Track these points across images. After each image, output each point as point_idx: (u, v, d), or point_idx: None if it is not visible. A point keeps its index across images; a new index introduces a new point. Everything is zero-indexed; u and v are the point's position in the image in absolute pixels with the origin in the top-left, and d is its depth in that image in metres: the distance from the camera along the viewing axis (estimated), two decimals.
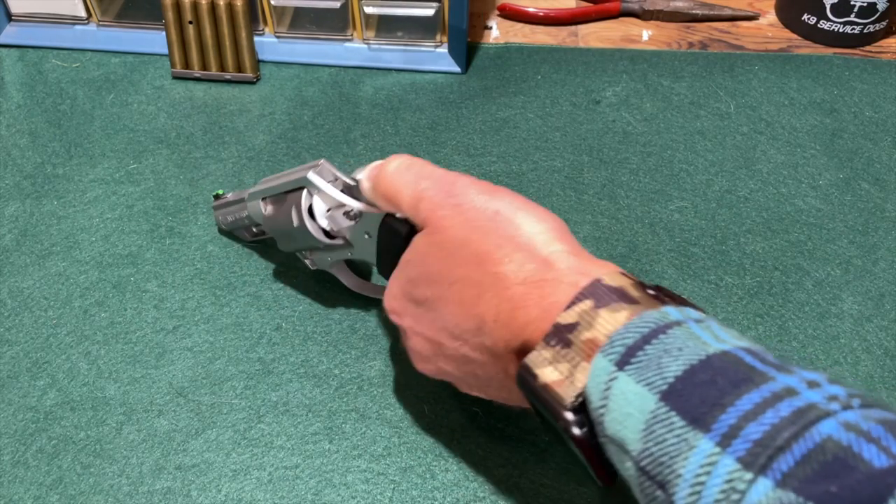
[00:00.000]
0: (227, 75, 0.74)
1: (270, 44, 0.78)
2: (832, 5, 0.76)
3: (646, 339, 0.31)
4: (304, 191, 0.49)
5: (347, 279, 0.55)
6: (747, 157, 0.67)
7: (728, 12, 0.82)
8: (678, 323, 0.31)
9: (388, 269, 0.47)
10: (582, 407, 0.33)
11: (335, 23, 0.76)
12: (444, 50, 0.76)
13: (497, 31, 0.82)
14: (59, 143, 0.69)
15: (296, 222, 0.50)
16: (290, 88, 0.74)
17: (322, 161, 0.49)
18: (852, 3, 0.75)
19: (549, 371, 0.34)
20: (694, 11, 0.82)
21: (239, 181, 0.65)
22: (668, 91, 0.74)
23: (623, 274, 0.35)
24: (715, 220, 0.62)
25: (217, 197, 0.60)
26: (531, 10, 0.82)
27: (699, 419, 0.28)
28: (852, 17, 0.76)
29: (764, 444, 0.26)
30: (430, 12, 0.73)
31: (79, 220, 0.62)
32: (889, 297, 0.57)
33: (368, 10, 0.74)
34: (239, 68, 0.74)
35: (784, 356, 0.31)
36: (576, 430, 0.33)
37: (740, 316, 0.55)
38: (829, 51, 0.78)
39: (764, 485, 0.25)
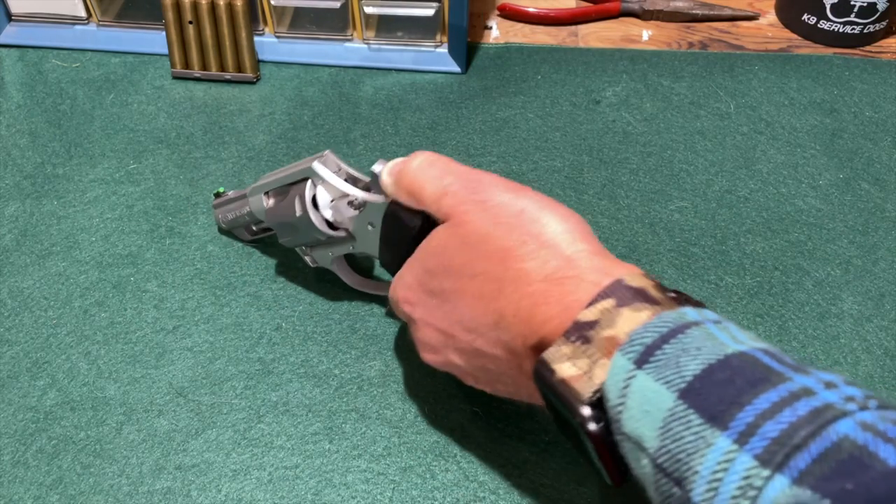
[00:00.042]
0: (227, 75, 0.74)
1: (270, 44, 0.78)
2: (832, 5, 0.76)
3: (665, 339, 0.31)
4: (309, 181, 0.50)
5: (348, 276, 0.55)
6: (747, 157, 0.67)
7: (728, 12, 0.82)
8: (696, 323, 0.32)
9: (392, 260, 0.47)
10: (598, 403, 0.33)
11: (335, 23, 0.76)
12: (444, 50, 0.76)
13: (497, 31, 0.82)
14: (59, 143, 0.69)
15: (299, 211, 0.50)
16: (290, 88, 0.74)
17: (327, 152, 0.50)
18: (852, 3, 0.75)
19: (567, 366, 0.34)
20: (694, 11, 0.82)
21: (239, 181, 0.65)
22: (668, 91, 0.74)
23: (645, 275, 0.36)
24: (715, 220, 0.62)
25: (218, 195, 0.60)
26: (531, 10, 0.82)
27: (717, 417, 0.28)
28: (852, 17, 0.76)
29: (781, 442, 0.26)
30: (430, 12, 0.73)
31: (79, 220, 0.62)
32: (889, 297, 0.57)
33: (368, 10, 0.74)
34: (239, 68, 0.74)
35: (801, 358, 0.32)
36: (592, 426, 0.33)
37: (740, 316, 0.55)
38: (829, 51, 0.78)
39: (781, 482, 0.25)
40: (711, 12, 0.82)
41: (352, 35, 0.77)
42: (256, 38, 0.76)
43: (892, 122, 0.70)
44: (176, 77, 0.75)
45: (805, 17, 0.79)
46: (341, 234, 0.50)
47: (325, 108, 0.72)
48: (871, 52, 0.79)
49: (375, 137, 0.69)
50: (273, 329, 0.55)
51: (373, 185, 0.46)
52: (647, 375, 0.31)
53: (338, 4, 0.74)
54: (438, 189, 0.41)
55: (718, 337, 0.31)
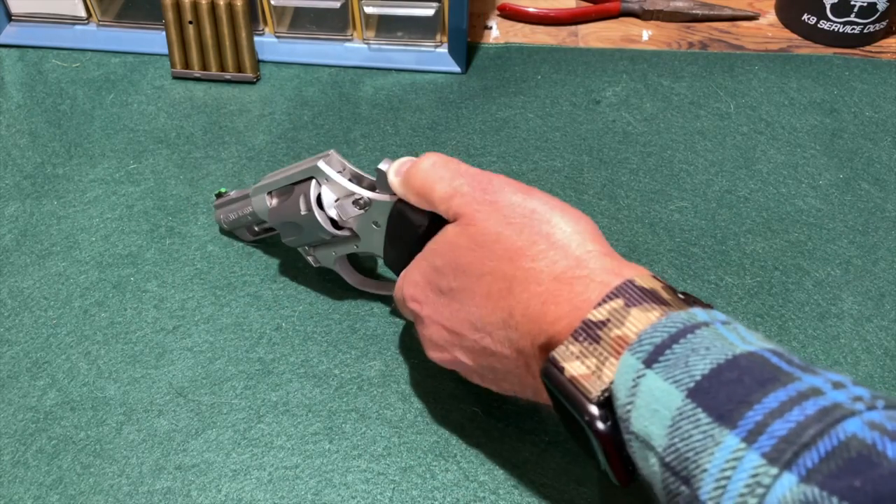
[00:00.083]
0: (227, 75, 0.74)
1: (270, 44, 0.78)
2: (832, 5, 0.76)
3: (674, 339, 0.31)
4: (313, 181, 0.50)
5: (350, 276, 0.55)
6: (747, 157, 0.67)
7: (728, 12, 0.82)
8: (705, 324, 0.32)
9: (398, 259, 0.47)
10: (606, 403, 0.33)
11: (335, 23, 0.76)
12: (444, 50, 0.76)
13: (497, 31, 0.82)
14: (59, 143, 0.69)
15: (304, 211, 0.50)
16: (290, 88, 0.74)
17: (331, 151, 0.50)
18: (852, 3, 0.75)
19: (576, 365, 0.34)
20: (694, 11, 0.82)
21: (239, 181, 0.65)
22: (668, 91, 0.74)
23: (654, 277, 0.36)
24: (715, 220, 0.62)
25: (219, 195, 0.60)
26: (531, 10, 0.82)
27: (725, 416, 0.28)
28: (852, 17, 0.76)
29: (789, 440, 0.26)
30: (430, 12, 0.73)
31: (79, 220, 0.62)
32: (889, 297, 0.57)
33: (368, 10, 0.74)
34: (239, 68, 0.74)
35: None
36: (600, 425, 0.33)
37: (740, 316, 0.55)
38: (829, 51, 0.78)
39: (789, 480, 0.26)
40: (711, 12, 0.82)
41: (352, 35, 0.77)
42: (256, 38, 0.76)
43: (892, 122, 0.70)
44: (176, 77, 0.75)
45: (805, 17, 0.79)
46: (346, 233, 0.50)
47: (325, 108, 0.72)
48: (871, 52, 0.79)
49: (375, 137, 0.69)
50: (273, 329, 0.55)
51: (378, 183, 0.47)
52: (656, 375, 0.31)
53: (338, 4, 0.74)
54: (449, 190, 0.41)
55: (727, 337, 0.31)
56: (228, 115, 0.72)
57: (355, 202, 0.48)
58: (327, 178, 0.49)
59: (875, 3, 0.75)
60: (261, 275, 0.58)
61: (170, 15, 0.72)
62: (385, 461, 0.48)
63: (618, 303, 0.34)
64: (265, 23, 0.78)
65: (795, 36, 0.81)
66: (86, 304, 0.57)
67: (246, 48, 0.73)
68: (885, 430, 0.26)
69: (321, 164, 0.49)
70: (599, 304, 0.34)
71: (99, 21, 0.79)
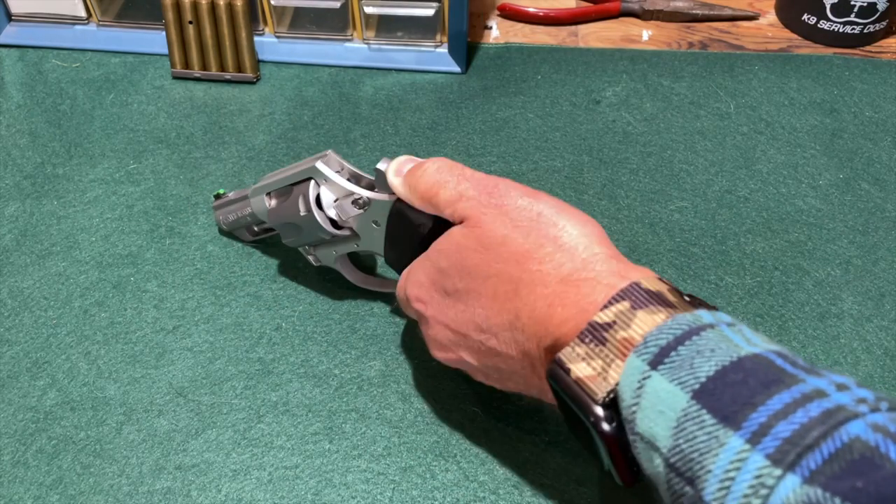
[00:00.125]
0: (227, 75, 0.74)
1: (270, 44, 0.78)
2: (832, 5, 0.76)
3: (679, 341, 0.32)
4: (312, 181, 0.50)
5: (351, 274, 0.55)
6: (747, 157, 0.67)
7: (728, 12, 0.82)
8: (711, 326, 0.32)
9: (399, 258, 0.47)
10: (612, 404, 0.33)
11: (335, 23, 0.76)
12: (444, 50, 0.76)
13: (497, 31, 0.82)
14: (59, 143, 0.69)
15: (303, 211, 0.50)
16: (290, 88, 0.74)
17: (329, 152, 0.50)
18: (852, 3, 0.75)
19: (582, 366, 0.34)
20: (694, 11, 0.82)
21: (239, 181, 0.65)
22: (668, 91, 0.74)
23: (660, 279, 0.36)
24: (715, 220, 0.62)
25: (218, 196, 0.60)
26: (531, 10, 0.82)
27: (730, 417, 0.28)
28: (852, 17, 0.76)
29: (793, 442, 0.27)
30: (430, 12, 0.73)
31: (79, 220, 0.62)
32: (889, 297, 0.57)
33: (368, 10, 0.74)
34: (239, 68, 0.74)
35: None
36: (605, 426, 0.33)
37: (740, 316, 0.55)
38: (829, 51, 0.78)
39: (792, 481, 0.26)
40: (711, 12, 0.82)
41: (352, 35, 0.77)
42: (256, 38, 0.76)
43: (892, 122, 0.70)
44: (176, 77, 0.75)
45: (805, 17, 0.79)
46: (345, 232, 0.50)
47: (325, 108, 0.72)
48: (871, 52, 0.79)
49: (375, 137, 0.69)
50: (273, 329, 0.55)
51: (377, 183, 0.47)
52: (662, 376, 0.31)
53: (338, 4, 0.74)
54: (454, 193, 0.41)
55: (732, 339, 0.31)
56: (228, 115, 0.72)
57: (354, 202, 0.48)
58: (325, 179, 0.49)
59: (875, 3, 0.75)
60: (261, 275, 0.58)
61: (170, 15, 0.72)
62: (385, 461, 0.48)
63: (624, 305, 0.34)
64: (265, 23, 0.78)
65: (795, 36, 0.81)
66: (86, 304, 0.57)
67: (246, 48, 0.73)
68: (888, 432, 0.26)
69: (319, 165, 0.49)
70: (605, 307, 0.35)
71: (99, 21, 0.79)
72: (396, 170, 0.45)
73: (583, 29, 0.82)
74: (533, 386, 0.40)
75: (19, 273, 0.59)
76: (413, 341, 0.54)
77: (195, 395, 0.51)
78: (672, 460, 0.30)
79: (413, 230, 0.45)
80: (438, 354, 0.45)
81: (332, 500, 0.46)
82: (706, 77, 0.75)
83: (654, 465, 0.31)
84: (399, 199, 0.45)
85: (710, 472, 0.28)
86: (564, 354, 0.35)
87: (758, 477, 0.27)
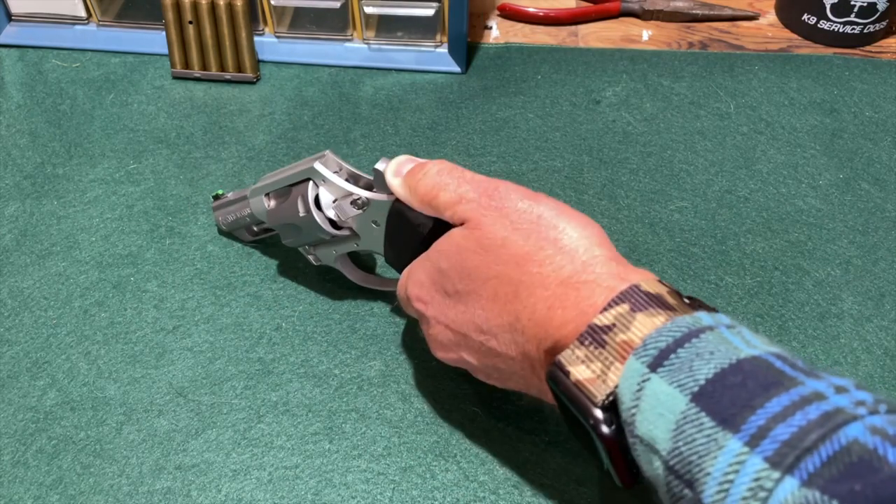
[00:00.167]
0: (227, 75, 0.74)
1: (270, 44, 0.78)
2: (832, 5, 0.76)
3: (678, 343, 0.32)
4: (310, 182, 0.50)
5: (352, 273, 0.55)
6: (747, 157, 0.67)
7: (728, 12, 0.82)
8: (710, 328, 0.32)
9: (399, 257, 0.47)
10: (611, 407, 0.34)
11: (335, 23, 0.76)
12: (444, 50, 0.76)
13: (497, 31, 0.82)
14: (59, 143, 0.69)
15: (302, 212, 0.50)
16: (290, 88, 0.74)
17: (327, 152, 0.50)
18: (852, 3, 0.75)
19: (581, 369, 0.34)
20: (694, 11, 0.82)
21: (239, 181, 0.65)
22: (668, 91, 0.74)
23: (660, 282, 0.36)
24: (715, 220, 0.62)
25: (217, 197, 0.60)
26: (531, 10, 0.82)
27: (729, 420, 0.28)
28: (852, 17, 0.76)
29: (792, 444, 0.27)
30: (430, 12, 0.73)
31: (79, 220, 0.62)
32: (889, 297, 0.57)
33: (368, 10, 0.74)
34: (239, 68, 0.74)
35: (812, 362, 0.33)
36: (604, 429, 0.33)
37: (740, 316, 0.55)
38: (829, 51, 0.78)
39: (791, 483, 0.26)
40: (711, 12, 0.82)
41: (352, 35, 0.77)
42: (256, 38, 0.76)
43: (892, 122, 0.70)
44: (176, 77, 0.75)
45: (805, 17, 0.79)
46: (345, 232, 0.50)
47: (325, 108, 0.72)
48: (871, 52, 0.79)
49: (375, 137, 0.69)
50: (273, 329, 0.55)
51: (376, 183, 0.47)
52: (661, 379, 0.31)
53: (338, 4, 0.74)
54: (454, 196, 0.41)
55: (732, 341, 0.31)
56: (228, 115, 0.72)
57: (353, 202, 0.48)
58: (324, 180, 0.49)
59: (875, 3, 0.75)
60: (261, 275, 0.58)
61: (170, 15, 0.72)
62: (385, 461, 0.48)
63: (623, 307, 0.34)
64: (265, 23, 0.78)
65: (795, 36, 0.81)
66: (86, 304, 0.57)
67: (246, 48, 0.73)
68: (887, 434, 0.26)
69: (317, 166, 0.49)
70: (605, 309, 0.35)
71: (99, 21, 0.79)
72: (395, 170, 0.45)
73: (583, 29, 0.82)
74: (533, 386, 0.41)
75: (19, 273, 0.59)
76: (413, 341, 0.54)
77: (195, 395, 0.51)
78: (671, 463, 0.30)
79: (413, 230, 0.45)
80: (439, 354, 0.45)
81: (332, 500, 0.46)
82: (706, 77, 0.75)
83: (654, 468, 0.31)
84: (398, 199, 0.45)
85: (708, 474, 0.28)
86: (564, 357, 0.35)
87: (756, 479, 0.27)
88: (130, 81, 0.75)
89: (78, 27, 0.79)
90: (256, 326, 0.55)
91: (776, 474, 0.26)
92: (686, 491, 0.29)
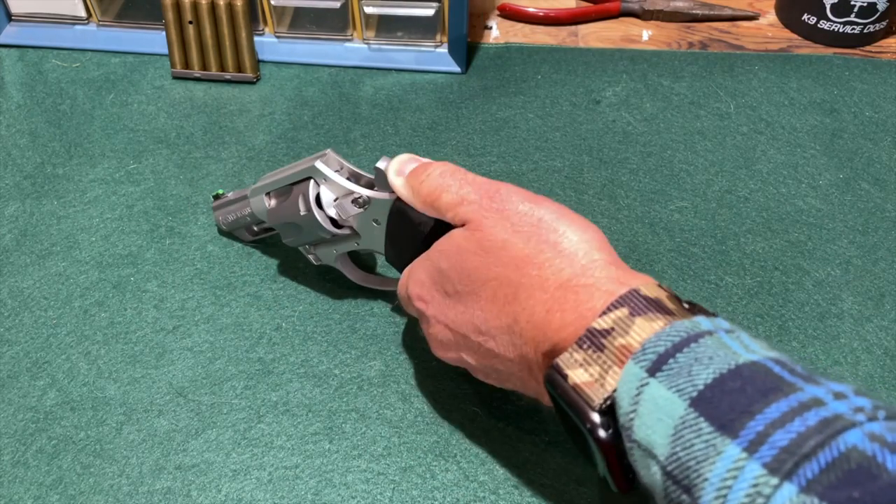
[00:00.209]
0: (227, 75, 0.74)
1: (270, 44, 0.78)
2: (832, 5, 0.76)
3: (677, 348, 0.32)
4: (311, 181, 0.50)
5: (352, 273, 0.55)
6: (747, 157, 0.67)
7: (728, 12, 0.82)
8: (709, 332, 0.32)
9: (400, 256, 0.47)
10: (608, 411, 0.33)
11: (335, 23, 0.76)
12: (444, 50, 0.76)
13: (497, 31, 0.82)
14: (59, 143, 0.69)
15: (303, 211, 0.50)
16: (290, 88, 0.74)
17: (328, 151, 0.50)
18: (852, 3, 0.75)
19: (579, 372, 0.34)
20: (694, 11, 0.82)
21: (239, 181, 0.65)
22: (668, 91, 0.74)
23: (659, 286, 0.36)
24: (715, 220, 0.62)
25: (217, 197, 0.60)
26: (531, 10, 0.82)
27: (727, 425, 0.28)
28: (852, 17, 0.76)
29: (790, 451, 0.27)
30: (430, 12, 0.73)
31: (79, 220, 0.62)
32: (889, 297, 0.57)
33: (368, 10, 0.74)
34: (239, 68, 0.74)
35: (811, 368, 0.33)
36: (601, 433, 0.33)
37: (740, 316, 0.55)
38: (829, 51, 0.78)
39: (789, 490, 0.26)
40: (711, 12, 0.82)
41: (352, 35, 0.77)
42: (256, 38, 0.76)
43: (892, 122, 0.70)
44: (176, 77, 0.75)
45: (805, 17, 0.79)
46: (346, 231, 0.50)
47: (325, 108, 0.72)
48: (871, 52, 0.79)
49: (375, 137, 0.69)
50: (273, 329, 0.55)
51: (377, 181, 0.47)
52: (660, 384, 0.31)
53: (338, 4, 0.74)
54: (456, 198, 0.41)
55: (731, 346, 0.31)
56: (228, 115, 0.72)
57: (354, 201, 0.48)
58: (325, 178, 0.49)
59: (875, 3, 0.75)
60: (261, 275, 0.58)
61: (170, 15, 0.72)
62: (385, 461, 0.48)
63: (622, 312, 0.34)
64: (265, 23, 0.78)
65: (795, 36, 0.81)
66: (86, 304, 0.57)
67: (246, 48, 0.73)
68: (886, 441, 0.26)
69: (318, 164, 0.49)
70: (604, 313, 0.35)
71: (99, 21, 0.79)
72: (398, 169, 0.45)
73: (583, 29, 0.82)
74: (530, 388, 0.41)
75: (19, 273, 0.59)
76: (413, 341, 0.54)
77: (195, 395, 0.51)
78: (669, 468, 0.30)
79: (414, 228, 0.45)
80: (439, 353, 0.45)
81: (332, 500, 0.46)
82: (706, 77, 0.75)
83: (651, 473, 0.31)
84: (399, 198, 0.45)
85: (706, 480, 0.28)
86: (562, 360, 0.35)
87: (754, 486, 0.27)
88: (130, 81, 0.75)
89: (78, 27, 0.79)
90: (256, 326, 0.55)
91: (774, 480, 0.26)
92: (684, 496, 0.29)
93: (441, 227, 0.43)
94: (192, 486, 0.47)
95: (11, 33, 0.79)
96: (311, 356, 0.53)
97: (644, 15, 0.83)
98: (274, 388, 0.52)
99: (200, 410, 0.50)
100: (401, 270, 0.48)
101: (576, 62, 0.77)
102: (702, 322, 0.33)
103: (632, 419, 0.32)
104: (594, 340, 0.34)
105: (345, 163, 0.50)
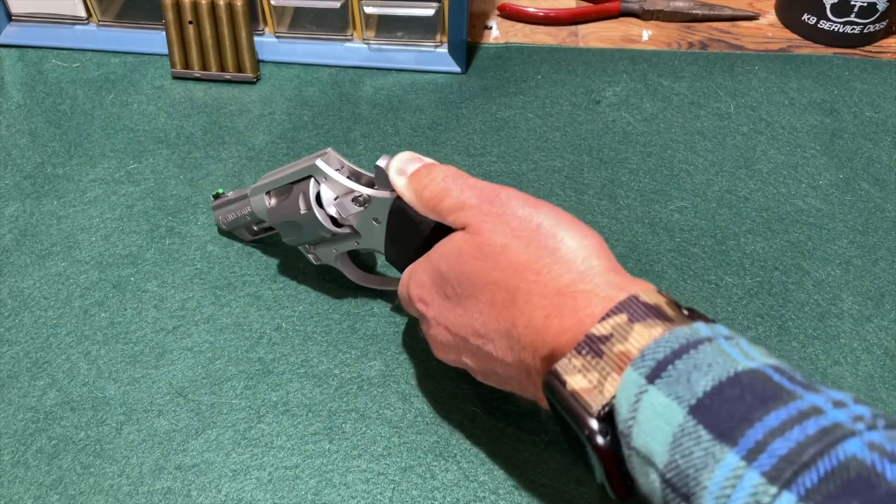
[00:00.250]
0: (227, 75, 0.74)
1: (270, 44, 0.78)
2: (832, 5, 0.76)
3: (676, 354, 0.32)
4: (312, 179, 0.50)
5: (352, 272, 0.55)
6: (747, 157, 0.67)
7: (728, 12, 0.82)
8: (708, 339, 0.32)
9: (400, 255, 0.47)
10: (606, 417, 0.33)
11: (335, 23, 0.76)
12: (444, 50, 0.76)
13: (497, 31, 0.82)
14: (59, 143, 0.69)
15: (303, 210, 0.50)
16: (290, 88, 0.74)
17: (329, 150, 0.50)
18: (852, 3, 0.75)
19: (578, 379, 0.34)
20: (694, 11, 0.82)
21: (239, 181, 0.65)
22: (668, 91, 0.74)
23: (658, 292, 0.36)
24: (715, 220, 0.62)
25: (217, 196, 0.60)
26: (531, 10, 0.82)
27: (726, 433, 0.28)
28: (852, 17, 0.76)
29: (789, 459, 0.27)
30: (430, 12, 0.73)
31: (79, 220, 0.62)
32: (889, 297, 0.57)
33: (368, 10, 0.74)
34: (239, 68, 0.74)
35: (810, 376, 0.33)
36: (599, 440, 0.33)
37: (740, 316, 0.55)
38: (829, 51, 0.78)
39: (787, 499, 0.26)
40: (711, 12, 0.82)
41: (352, 35, 0.77)
42: (256, 38, 0.76)
43: (892, 122, 0.70)
44: (176, 77, 0.75)
45: (805, 17, 0.79)
46: (346, 230, 0.50)
47: (325, 108, 0.72)
48: (871, 52, 0.79)
49: (375, 137, 0.69)
50: (273, 329, 0.55)
51: (377, 180, 0.47)
52: (659, 391, 0.31)
53: (338, 4, 0.74)
54: (456, 202, 0.41)
55: (730, 353, 0.31)
56: (228, 115, 0.72)
57: (355, 199, 0.48)
58: (326, 177, 0.49)
59: (875, 3, 0.75)
60: (261, 275, 0.58)
61: (170, 15, 0.72)
62: (385, 461, 0.48)
63: (621, 318, 0.34)
64: (265, 23, 0.78)
65: (795, 36, 0.81)
66: (86, 304, 0.57)
67: (246, 48, 0.73)
68: (885, 451, 0.26)
69: (319, 163, 0.49)
70: (603, 319, 0.35)
71: (99, 21, 0.79)
72: (399, 169, 0.45)
73: (583, 29, 0.82)
74: (528, 391, 0.41)
75: (19, 273, 0.59)
76: (413, 341, 0.54)
77: (195, 395, 0.51)
78: (668, 476, 0.30)
79: (414, 227, 0.45)
80: (439, 354, 0.45)
81: (332, 500, 0.46)
82: (706, 77, 0.75)
83: (650, 481, 0.31)
84: (399, 196, 0.45)
85: (705, 488, 0.28)
86: (561, 366, 0.35)
87: (753, 494, 0.27)
88: (130, 81, 0.75)
89: (78, 27, 0.79)
90: (256, 326, 0.55)
91: (773, 489, 0.26)
92: None
93: (442, 227, 0.43)
94: (192, 486, 0.47)
95: (11, 33, 0.79)
96: (311, 356, 0.53)
97: (644, 15, 0.83)
98: (274, 388, 0.52)
99: (200, 410, 0.50)
100: (401, 270, 0.48)
101: (576, 62, 0.77)
102: (701, 329, 0.33)
103: (630, 426, 0.32)
104: (593, 346, 0.34)
105: (345, 161, 0.50)
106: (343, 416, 0.50)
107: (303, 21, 0.77)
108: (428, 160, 0.45)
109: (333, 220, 0.50)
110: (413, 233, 0.46)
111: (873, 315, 0.56)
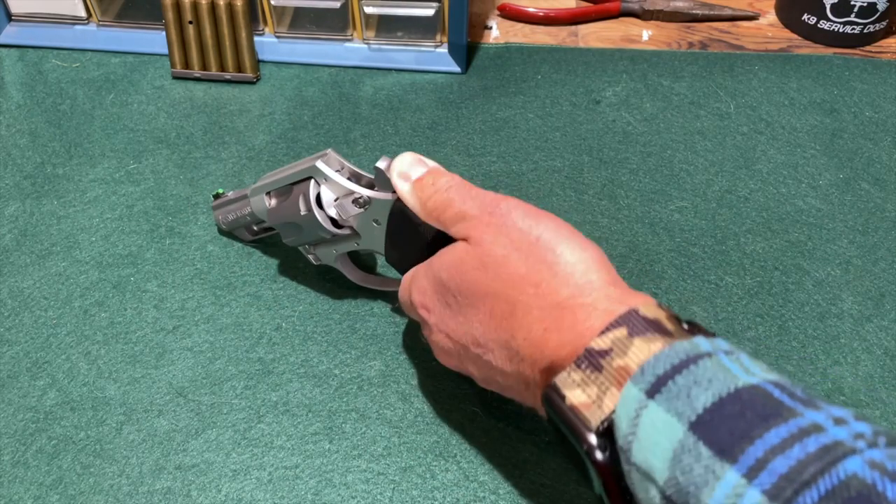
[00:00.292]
0: (227, 75, 0.74)
1: (270, 44, 0.78)
2: (832, 5, 0.76)
3: (676, 370, 0.31)
4: (312, 180, 0.50)
5: (352, 273, 0.55)
6: (747, 157, 0.67)
7: (728, 12, 0.82)
8: (708, 354, 0.32)
9: (401, 257, 0.47)
10: (605, 433, 0.33)
11: (335, 23, 0.76)
12: (444, 50, 0.76)
13: (497, 31, 0.82)
14: (59, 143, 0.69)
15: (303, 211, 0.50)
16: (290, 88, 0.74)
17: (329, 151, 0.50)
18: (852, 3, 0.75)
19: (577, 393, 0.34)
20: (694, 11, 0.82)
21: (239, 181, 0.65)
22: (668, 91, 0.74)
23: (659, 306, 0.36)
24: (715, 220, 0.62)
25: (217, 196, 0.60)
26: (531, 10, 0.82)
27: (727, 450, 0.28)
28: (852, 17, 0.76)
29: (790, 478, 0.26)
30: (430, 12, 0.73)
31: (79, 220, 0.62)
32: (889, 297, 0.57)
33: (368, 10, 0.74)
34: (239, 68, 0.74)
35: (810, 391, 0.33)
36: (598, 455, 0.33)
37: (740, 316, 0.55)
38: (829, 51, 0.78)
39: None
40: (711, 12, 0.82)
41: (352, 35, 0.77)
42: (256, 38, 0.76)
43: (892, 122, 0.70)
44: (176, 77, 0.75)
45: (805, 17, 0.79)
46: (346, 231, 0.50)
47: (325, 108, 0.72)
48: (871, 52, 0.79)
49: (375, 137, 0.69)
50: (273, 329, 0.55)
51: (377, 181, 0.47)
52: (659, 407, 0.31)
53: (338, 4, 0.74)
54: (459, 213, 0.41)
55: (730, 369, 0.31)
56: (228, 115, 0.72)
57: (355, 201, 0.48)
58: (326, 178, 0.49)
59: (875, 3, 0.75)
60: (261, 275, 0.58)
61: (170, 15, 0.72)
62: (385, 461, 0.48)
63: (621, 332, 0.34)
64: (265, 23, 0.78)
65: (795, 36, 0.81)
66: (86, 304, 0.57)
67: (246, 48, 0.73)
68: (886, 469, 0.26)
69: (319, 164, 0.49)
70: (602, 333, 0.34)
71: (99, 21, 0.79)
72: (402, 172, 0.45)
73: (583, 29, 0.82)
74: (528, 401, 0.41)
75: (19, 273, 0.59)
76: (413, 341, 0.54)
77: (195, 395, 0.51)
78: (668, 492, 0.30)
79: (414, 229, 0.45)
80: (442, 360, 0.45)
81: (332, 500, 0.46)
82: (706, 77, 0.75)
83: (650, 497, 0.31)
84: (399, 198, 0.45)
85: None
86: (560, 380, 0.35)
87: None
88: (130, 81, 0.75)
89: (78, 27, 0.79)
90: (256, 326, 0.55)
91: None
92: None
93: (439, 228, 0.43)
94: (192, 486, 0.47)
95: (11, 33, 0.79)
96: (311, 356, 0.53)
97: (644, 15, 0.83)
98: (274, 388, 0.52)
99: (200, 410, 0.50)
100: (401, 271, 0.48)
101: (576, 62, 0.77)
102: (701, 343, 0.33)
103: (630, 442, 0.31)
104: (592, 360, 0.34)
105: (345, 163, 0.50)
106: (343, 416, 0.50)
107: (303, 21, 0.77)
108: (430, 163, 0.45)
109: (333, 221, 0.50)
110: (414, 235, 0.46)
111: (873, 315, 0.56)
